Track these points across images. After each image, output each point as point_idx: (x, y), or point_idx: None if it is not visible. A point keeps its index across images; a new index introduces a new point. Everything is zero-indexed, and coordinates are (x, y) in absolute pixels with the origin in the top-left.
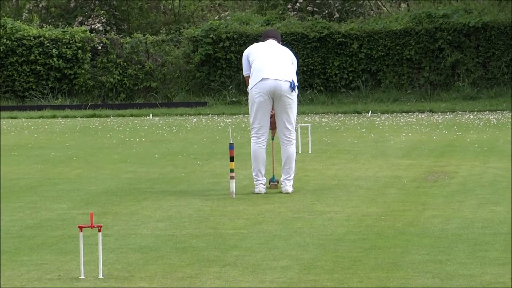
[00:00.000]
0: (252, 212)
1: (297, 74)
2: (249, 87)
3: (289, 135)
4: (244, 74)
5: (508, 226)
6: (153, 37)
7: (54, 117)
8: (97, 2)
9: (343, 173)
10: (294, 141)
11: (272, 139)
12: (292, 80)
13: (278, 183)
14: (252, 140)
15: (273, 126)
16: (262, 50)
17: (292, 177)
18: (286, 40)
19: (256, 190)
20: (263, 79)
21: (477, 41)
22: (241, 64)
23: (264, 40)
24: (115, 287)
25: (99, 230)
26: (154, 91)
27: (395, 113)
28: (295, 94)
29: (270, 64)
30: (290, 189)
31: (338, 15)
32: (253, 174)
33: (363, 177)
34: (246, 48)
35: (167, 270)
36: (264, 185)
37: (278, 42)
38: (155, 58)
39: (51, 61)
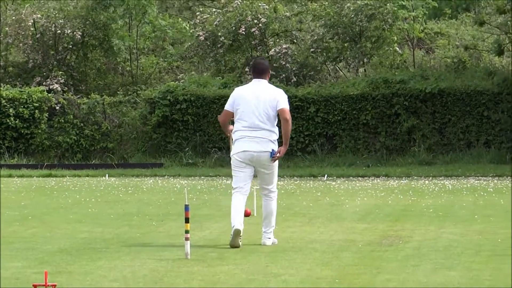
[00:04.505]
0: (207, 273)
1: (290, 110)
2: (231, 153)
3: (269, 194)
4: (225, 108)
5: None
6: (110, 98)
7: (10, 176)
8: (55, 62)
9: (298, 236)
10: (275, 198)
11: None
12: (272, 150)
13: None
14: (233, 192)
15: None
16: (246, 102)
17: (271, 230)
18: None
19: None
20: (244, 151)
21: (433, 107)
22: (198, 126)
23: (254, 76)
24: None
25: None
26: (111, 152)
27: (350, 177)
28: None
29: (251, 132)
30: (268, 242)
31: (295, 79)
32: (232, 224)
33: (318, 240)
34: (204, 109)
35: None
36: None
37: (267, 78)
38: (112, 119)
39: (8, 120)
